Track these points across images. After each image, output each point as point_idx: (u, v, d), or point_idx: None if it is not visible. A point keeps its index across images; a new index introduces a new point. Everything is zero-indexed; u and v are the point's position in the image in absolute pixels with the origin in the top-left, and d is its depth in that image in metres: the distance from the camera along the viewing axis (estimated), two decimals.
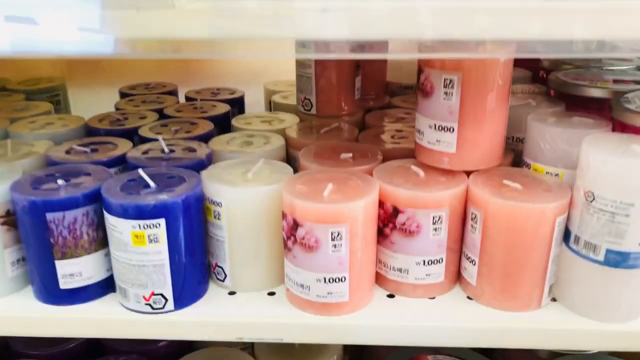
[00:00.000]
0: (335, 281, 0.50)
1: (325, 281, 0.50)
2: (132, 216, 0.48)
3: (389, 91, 0.92)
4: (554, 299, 0.54)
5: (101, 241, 0.53)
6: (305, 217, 0.49)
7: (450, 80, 0.52)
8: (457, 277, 0.56)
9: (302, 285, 0.51)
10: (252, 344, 0.75)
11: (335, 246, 0.49)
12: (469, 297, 0.54)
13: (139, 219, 0.48)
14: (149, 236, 0.49)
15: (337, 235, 0.48)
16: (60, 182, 0.53)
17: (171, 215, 0.49)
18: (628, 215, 0.46)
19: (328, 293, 0.50)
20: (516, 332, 0.51)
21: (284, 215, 0.51)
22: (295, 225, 0.49)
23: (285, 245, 0.51)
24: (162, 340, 0.74)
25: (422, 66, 0.54)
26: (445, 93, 0.52)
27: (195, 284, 0.53)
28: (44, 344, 0.74)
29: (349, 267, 0.50)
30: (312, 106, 0.76)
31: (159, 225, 0.49)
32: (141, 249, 0.49)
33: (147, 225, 0.48)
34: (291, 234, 0.50)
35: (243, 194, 0.52)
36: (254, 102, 0.96)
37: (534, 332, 0.51)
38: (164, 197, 0.49)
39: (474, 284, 0.54)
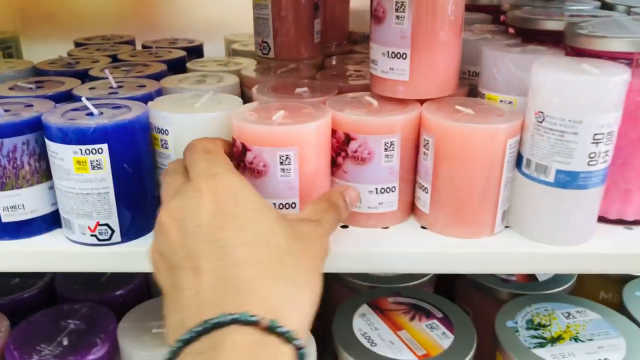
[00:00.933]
0: (286, 207, 0.49)
1: (275, 207, 0.49)
2: (73, 141, 0.47)
3: (352, 40, 0.90)
4: (507, 227, 0.54)
5: (44, 173, 0.51)
6: (253, 140, 0.48)
7: (402, 3, 0.51)
8: (412, 208, 0.56)
9: None
10: None
11: (283, 170, 0.48)
12: (423, 227, 0.54)
13: (80, 144, 0.47)
14: (91, 162, 0.47)
15: (286, 159, 0.47)
16: (0, 110, 0.51)
17: (114, 140, 0.47)
18: (576, 133, 0.46)
19: None
20: (469, 257, 0.51)
21: (233, 142, 0.49)
22: (244, 150, 0.48)
23: None
24: (119, 288, 0.73)
25: None
26: (397, 17, 0.51)
27: (143, 216, 0.52)
28: None
29: (299, 193, 0.49)
30: (269, 49, 0.74)
31: (102, 150, 0.47)
32: (84, 176, 0.48)
33: (88, 151, 0.47)
34: (240, 160, 0.49)
35: (190, 120, 0.50)
36: (214, 54, 0.94)
37: (486, 256, 0.51)
38: (106, 121, 0.47)
39: (428, 212, 0.53)
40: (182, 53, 0.78)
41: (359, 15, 0.91)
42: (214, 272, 0.32)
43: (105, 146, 0.47)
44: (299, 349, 0.32)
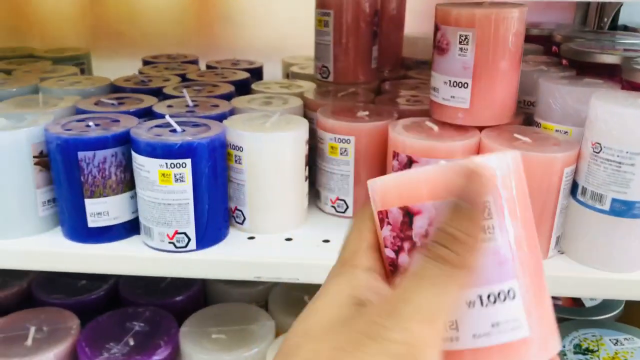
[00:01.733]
0: None
1: None
2: (160, 155, 0.51)
3: (404, 66, 0.94)
4: (561, 252, 0.56)
5: (128, 183, 0.56)
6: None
7: (466, 37, 0.54)
8: None
9: None
10: (266, 301, 0.77)
11: None
12: None
13: (166, 158, 0.51)
14: (175, 175, 0.51)
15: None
16: (91, 124, 0.56)
17: (197, 155, 0.52)
18: (633, 164, 0.48)
19: None
20: None
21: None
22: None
23: None
24: (179, 294, 0.77)
25: (438, 23, 0.56)
26: (461, 49, 0.55)
27: (217, 226, 0.56)
28: (65, 292, 0.77)
29: None
30: (329, 74, 0.78)
31: (185, 165, 0.51)
32: (167, 187, 0.52)
33: (174, 165, 0.51)
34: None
35: (262, 139, 0.54)
36: (273, 76, 0.98)
37: None
38: (190, 138, 0.52)
39: None
40: (246, 74, 0.82)
41: (411, 41, 0.94)
42: None
43: (188, 161, 0.51)
44: None
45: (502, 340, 0.25)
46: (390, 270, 0.28)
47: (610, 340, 0.66)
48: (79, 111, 0.63)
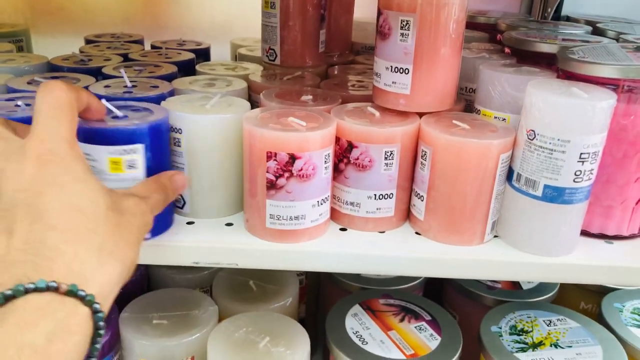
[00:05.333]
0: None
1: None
2: (109, 142, 0.48)
3: (353, 51, 0.93)
4: (496, 237, 0.57)
5: None
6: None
7: (407, 22, 0.54)
8: (407, 215, 0.59)
9: (273, 216, 0.53)
10: (210, 286, 0.76)
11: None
12: (417, 233, 0.57)
13: (116, 145, 0.48)
14: (126, 162, 0.49)
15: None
16: (20, 103, 0.53)
17: (149, 140, 0.49)
18: (564, 151, 0.50)
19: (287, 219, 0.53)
20: (459, 263, 0.54)
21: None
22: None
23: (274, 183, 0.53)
24: None
25: (381, 8, 0.56)
26: (402, 34, 0.55)
27: (166, 212, 0.54)
28: None
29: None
30: (276, 56, 0.77)
31: (137, 150, 0.49)
32: (119, 175, 0.49)
33: (125, 151, 0.49)
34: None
35: (201, 121, 0.53)
36: (221, 58, 0.97)
37: (475, 263, 0.54)
38: (139, 122, 0.49)
39: (422, 219, 0.56)
40: (191, 55, 0.80)
41: (361, 26, 0.94)
42: (25, 235, 0.33)
43: (140, 147, 0.49)
44: (96, 312, 0.33)
45: None
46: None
47: (544, 321, 0.69)
48: (10, 90, 0.60)
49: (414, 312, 0.71)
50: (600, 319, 0.72)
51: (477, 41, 0.81)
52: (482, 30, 0.88)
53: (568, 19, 0.95)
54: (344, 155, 0.55)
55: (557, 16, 0.97)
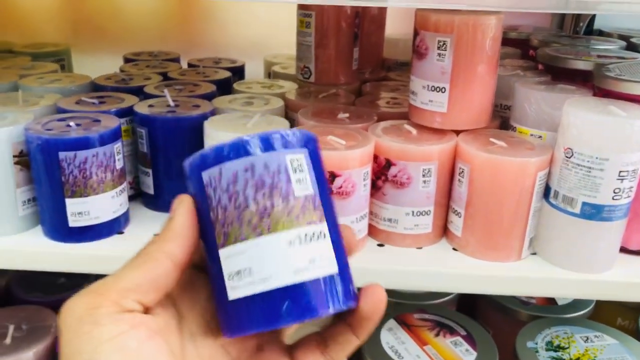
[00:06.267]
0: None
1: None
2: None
3: (385, 67, 0.95)
4: (534, 253, 0.57)
5: (109, 183, 0.56)
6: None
7: (444, 42, 0.55)
8: (444, 231, 0.60)
9: None
10: None
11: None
12: (454, 249, 0.58)
13: None
14: None
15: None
16: (72, 124, 0.56)
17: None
18: (602, 169, 0.50)
19: None
20: (496, 280, 0.54)
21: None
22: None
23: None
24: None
25: (417, 29, 0.57)
26: (439, 54, 0.56)
27: None
28: (44, 291, 0.77)
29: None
30: (310, 74, 0.79)
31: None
32: None
33: None
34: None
35: None
36: (254, 74, 0.99)
37: (512, 280, 0.54)
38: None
39: (460, 236, 0.57)
40: (228, 74, 0.82)
41: (392, 42, 0.95)
42: None
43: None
44: None
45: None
46: None
47: (580, 337, 0.69)
48: (60, 110, 0.63)
49: (449, 327, 0.71)
50: (638, 335, 0.71)
51: (509, 57, 0.81)
52: (514, 46, 0.88)
53: (601, 33, 0.95)
54: (382, 173, 0.56)
55: (590, 30, 0.97)
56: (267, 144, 0.29)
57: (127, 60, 0.94)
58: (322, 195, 0.30)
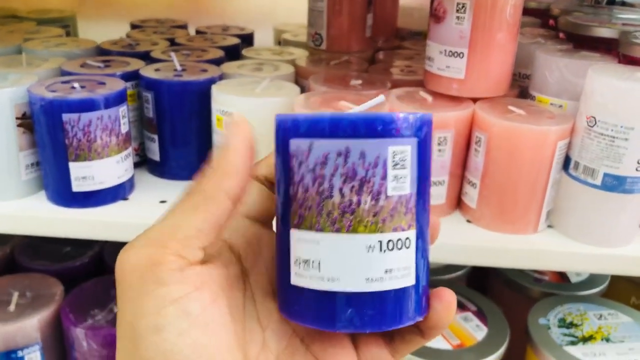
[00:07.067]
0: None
1: None
2: None
3: (399, 36, 0.92)
4: (550, 226, 0.55)
5: (114, 147, 0.54)
6: None
7: (463, 5, 0.53)
8: (458, 203, 0.58)
9: None
10: None
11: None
12: (468, 221, 0.56)
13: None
14: None
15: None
16: (76, 85, 0.54)
17: None
18: (627, 139, 0.48)
19: None
20: (511, 253, 0.53)
21: None
22: None
23: None
24: None
25: None
26: (457, 17, 0.53)
27: None
28: (49, 259, 0.76)
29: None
30: (322, 41, 0.77)
31: None
32: None
33: None
34: None
35: (252, 104, 0.53)
36: (263, 43, 0.96)
37: (528, 252, 0.53)
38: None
39: (474, 207, 0.55)
40: (237, 40, 0.80)
41: (407, 11, 0.93)
42: None
43: None
44: None
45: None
46: None
47: (594, 315, 0.67)
48: (64, 73, 0.61)
49: (459, 302, 0.69)
50: None
51: (528, 26, 0.78)
52: (533, 15, 0.85)
53: (624, 3, 0.91)
54: None
55: (612, 0, 0.94)
56: (370, 128, 0.25)
57: (133, 26, 0.92)
58: (419, 195, 0.26)
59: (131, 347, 0.24)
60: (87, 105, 0.52)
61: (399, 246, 0.25)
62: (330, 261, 0.25)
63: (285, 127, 0.26)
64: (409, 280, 0.26)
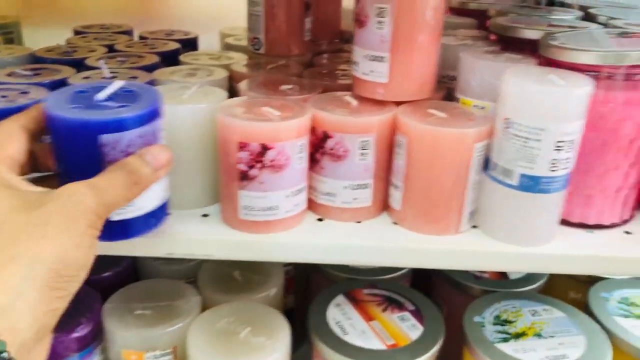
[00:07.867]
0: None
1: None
2: None
3: (343, 39, 0.93)
4: (475, 227, 0.56)
5: None
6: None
7: (383, 9, 0.53)
8: (384, 205, 0.59)
9: (246, 207, 0.53)
10: (196, 277, 0.76)
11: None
12: (394, 223, 0.57)
13: None
14: None
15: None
16: None
17: None
18: (539, 140, 0.49)
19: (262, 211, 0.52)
20: (434, 253, 0.53)
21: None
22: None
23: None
24: (105, 270, 0.76)
25: None
26: (378, 22, 0.54)
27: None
28: None
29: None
30: (261, 45, 0.77)
31: None
32: None
33: None
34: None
35: (176, 111, 0.53)
36: (211, 47, 0.96)
37: (451, 253, 0.53)
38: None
39: (399, 209, 0.56)
40: (177, 45, 0.80)
41: (350, 14, 0.93)
42: None
43: None
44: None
45: None
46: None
47: (528, 311, 0.68)
48: None
49: (398, 302, 0.70)
50: (586, 308, 0.71)
51: (465, 27, 0.80)
52: (474, 16, 0.87)
53: (562, 4, 0.93)
54: (319, 146, 0.55)
55: (552, 1, 0.95)
56: None
57: (77, 32, 0.91)
58: None
59: None
60: (3, 116, 0.51)
61: None
62: None
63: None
64: None
